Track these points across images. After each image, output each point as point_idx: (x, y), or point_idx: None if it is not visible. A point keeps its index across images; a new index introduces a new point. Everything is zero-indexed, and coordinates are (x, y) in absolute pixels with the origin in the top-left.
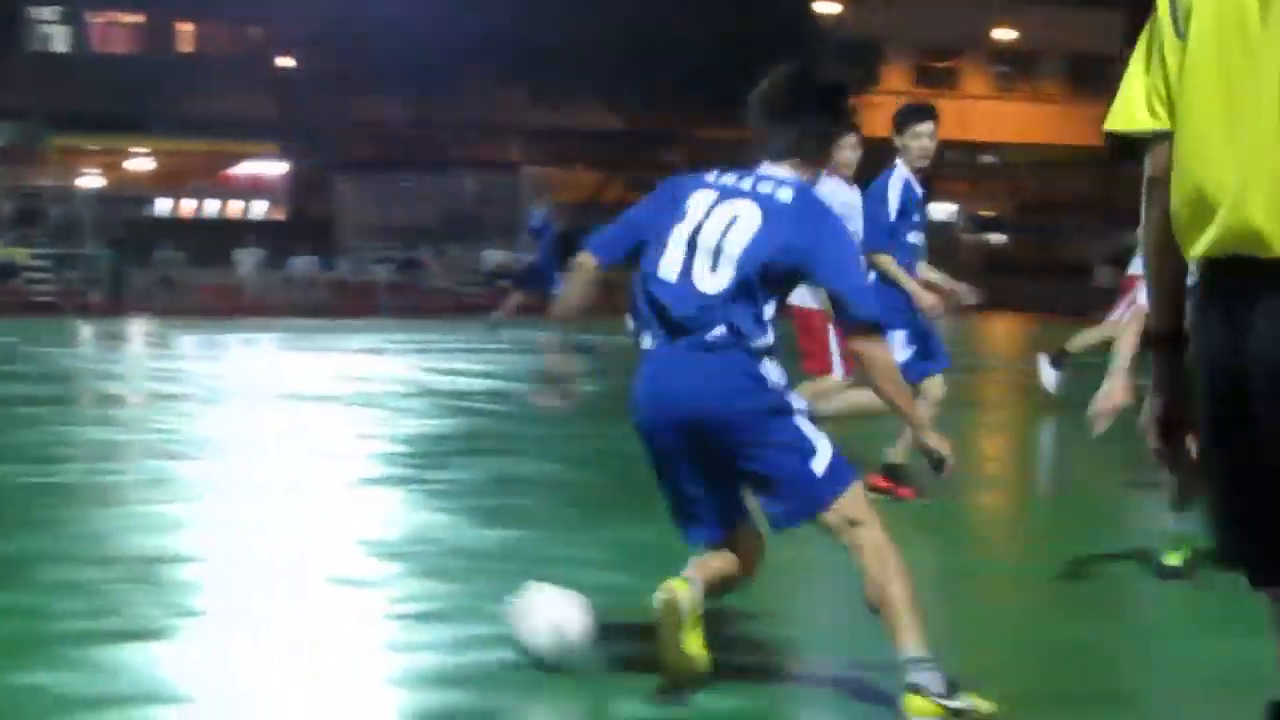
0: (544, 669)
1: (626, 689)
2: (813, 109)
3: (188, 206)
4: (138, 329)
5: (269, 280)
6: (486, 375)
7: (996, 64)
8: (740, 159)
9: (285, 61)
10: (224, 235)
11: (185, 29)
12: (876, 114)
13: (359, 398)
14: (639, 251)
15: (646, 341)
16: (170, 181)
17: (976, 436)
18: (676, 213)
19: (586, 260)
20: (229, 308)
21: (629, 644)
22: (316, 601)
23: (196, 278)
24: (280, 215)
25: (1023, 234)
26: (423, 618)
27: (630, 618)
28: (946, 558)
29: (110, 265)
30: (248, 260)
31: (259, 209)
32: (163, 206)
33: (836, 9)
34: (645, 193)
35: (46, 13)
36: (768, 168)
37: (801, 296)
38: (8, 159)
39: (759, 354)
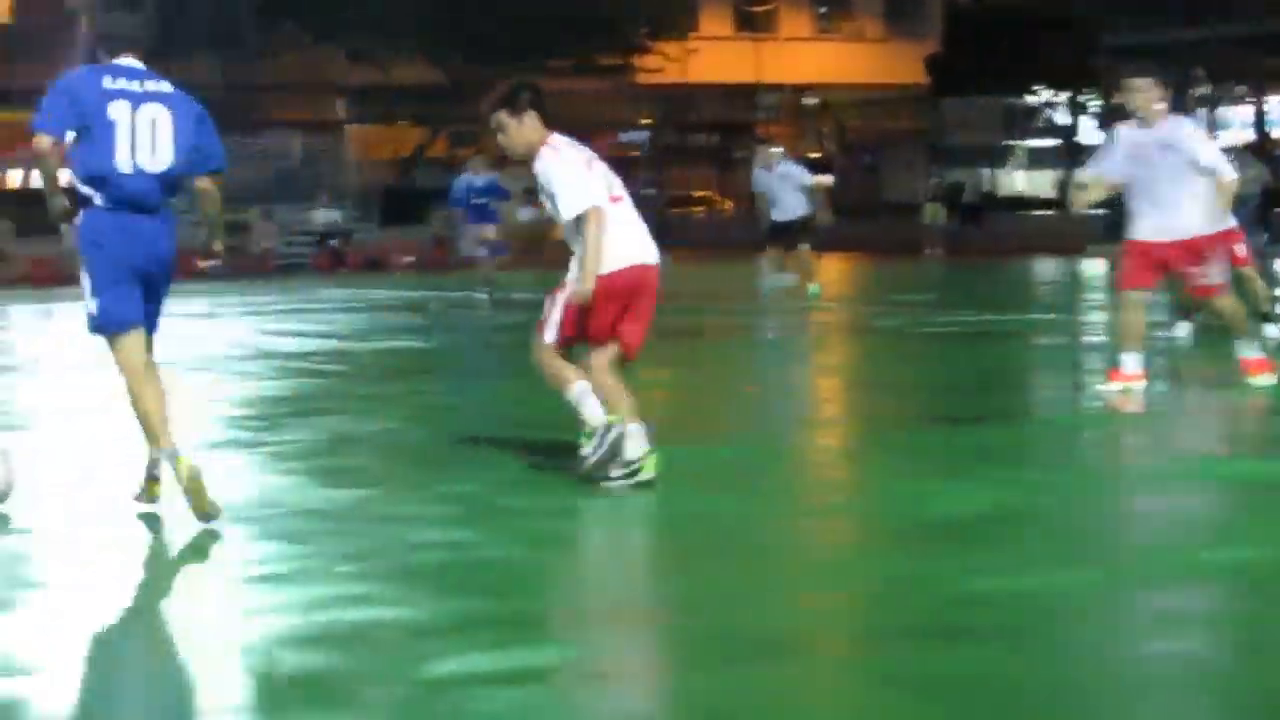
0: None
1: (469, 643)
2: None
3: (13, 178)
4: None
5: None
6: (320, 335)
7: (817, 5)
8: (562, 108)
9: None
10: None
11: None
12: (696, 59)
13: (193, 361)
14: None
15: None
16: None
17: (808, 378)
18: None
19: None
20: (55, 278)
21: (470, 600)
22: (160, 568)
23: (25, 249)
24: None
25: (848, 175)
26: (270, 580)
27: (470, 573)
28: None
29: None
30: (74, 232)
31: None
32: None
33: None
34: (470, 146)
35: None
36: None
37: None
38: None
39: None
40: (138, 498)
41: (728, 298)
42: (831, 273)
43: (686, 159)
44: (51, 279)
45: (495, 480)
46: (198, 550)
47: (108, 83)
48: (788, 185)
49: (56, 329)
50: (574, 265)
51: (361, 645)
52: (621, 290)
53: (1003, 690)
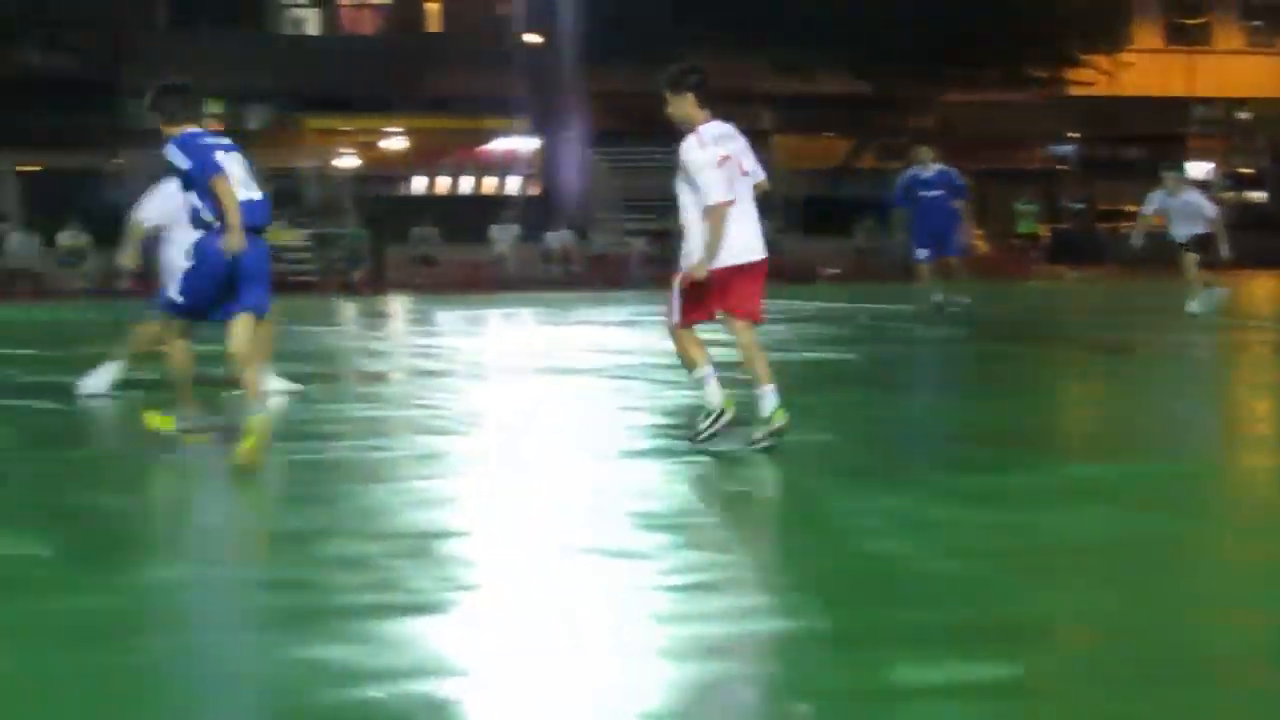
0: None
1: (895, 655)
2: None
3: (442, 184)
4: (398, 306)
5: (525, 255)
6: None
7: (1249, 18)
8: (991, 120)
9: (531, 38)
10: (478, 211)
11: (433, 8)
12: (1129, 72)
13: (618, 370)
14: None
15: None
16: (423, 160)
17: (1242, 396)
18: None
19: None
20: (486, 283)
21: (897, 611)
22: (587, 573)
23: (453, 254)
24: (534, 190)
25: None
26: (694, 588)
27: (898, 584)
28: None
29: (369, 244)
30: (503, 236)
31: (513, 185)
32: (417, 185)
33: None
34: (896, 159)
35: None
36: None
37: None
38: (263, 141)
39: None
40: None
41: (1155, 313)
42: (1259, 290)
43: (1116, 173)
44: (478, 284)
45: (924, 493)
46: (621, 554)
47: None
48: (1187, 212)
49: (486, 334)
50: (686, 249)
51: (783, 654)
52: (728, 280)
53: None
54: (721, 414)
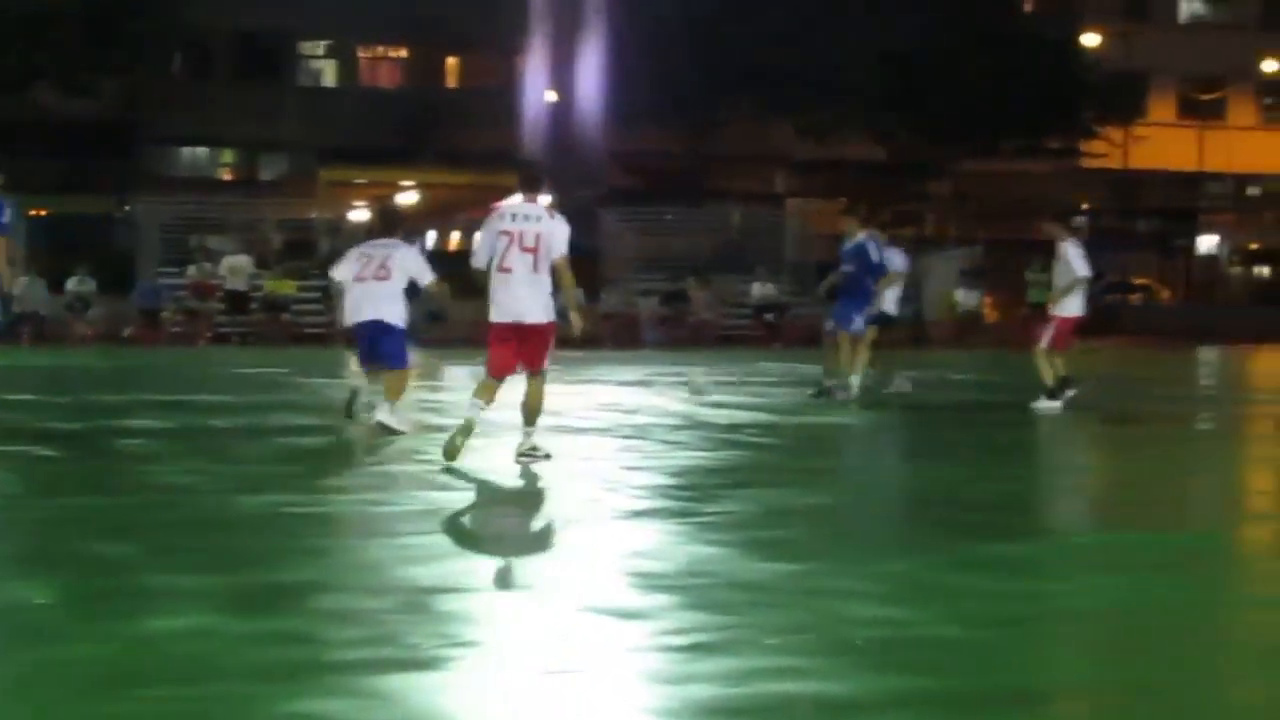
0: None
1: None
2: None
3: (456, 239)
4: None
5: None
6: (755, 408)
7: (1264, 94)
8: (1007, 189)
9: (550, 95)
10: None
11: (451, 63)
12: (1140, 144)
13: (628, 429)
14: None
15: None
16: (438, 214)
17: (1244, 470)
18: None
19: None
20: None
21: (902, 677)
22: (589, 632)
23: (463, 311)
24: None
25: None
26: (697, 649)
27: (902, 650)
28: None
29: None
30: None
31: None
32: (430, 239)
33: (1100, 40)
34: (910, 225)
35: (317, 48)
36: None
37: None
38: (278, 191)
39: None
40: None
41: (1161, 384)
42: (1275, 365)
43: (1128, 244)
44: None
45: (930, 559)
46: (621, 613)
47: None
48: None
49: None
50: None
51: (784, 718)
52: (507, 336)
53: None
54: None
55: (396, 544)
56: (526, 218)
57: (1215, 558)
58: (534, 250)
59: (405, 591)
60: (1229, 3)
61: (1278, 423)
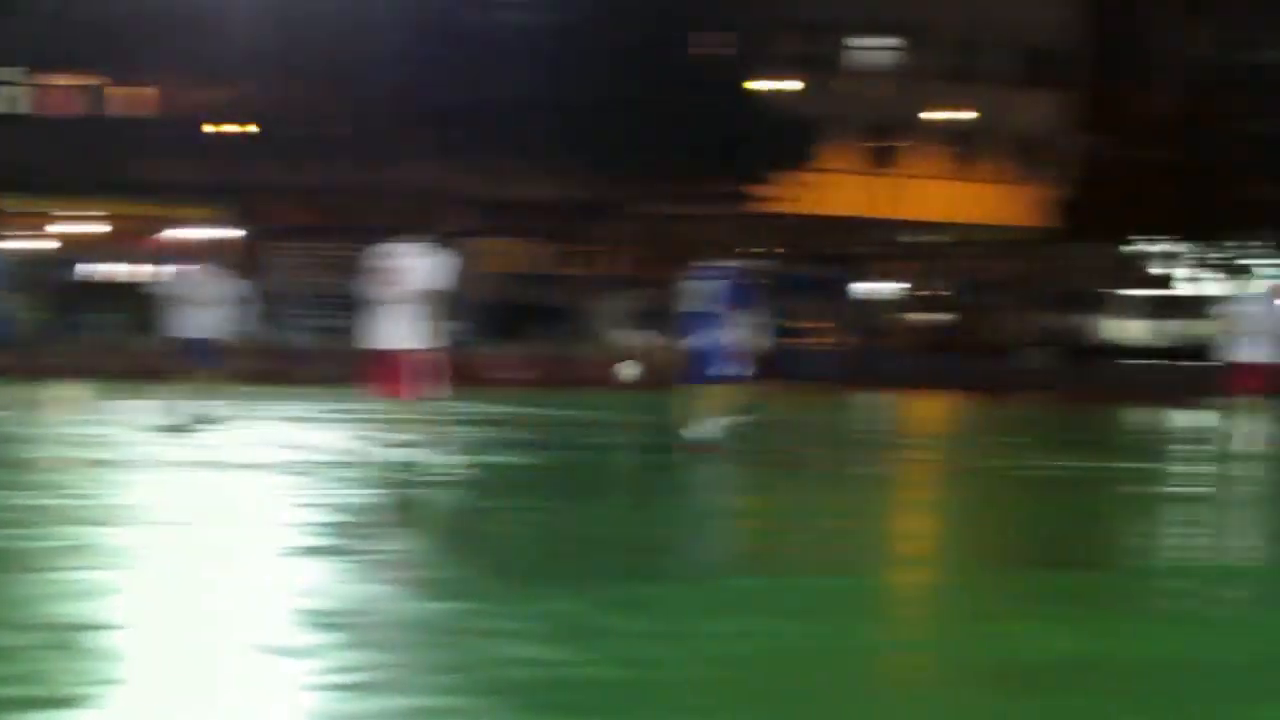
0: None
1: None
2: None
3: (135, 271)
4: (53, 393)
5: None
6: (427, 446)
7: (941, 144)
8: (679, 231)
9: (230, 128)
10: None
11: (140, 93)
12: (816, 191)
13: (299, 466)
14: None
15: None
16: (119, 245)
17: (893, 515)
18: None
19: None
20: (168, 373)
21: (556, 718)
22: (247, 671)
23: (141, 342)
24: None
25: (960, 314)
26: (358, 688)
27: (559, 691)
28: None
29: (33, 325)
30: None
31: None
32: (110, 270)
33: (776, 86)
34: (580, 264)
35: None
36: None
37: None
38: None
39: None
40: None
41: (827, 429)
42: (934, 411)
43: (796, 288)
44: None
45: (592, 600)
46: (288, 653)
47: None
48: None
49: (154, 424)
50: None
51: None
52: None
53: None
54: None
55: (47, 579)
56: (389, 255)
57: (855, 602)
58: (393, 284)
59: (54, 629)
60: (906, 53)
61: (929, 468)
